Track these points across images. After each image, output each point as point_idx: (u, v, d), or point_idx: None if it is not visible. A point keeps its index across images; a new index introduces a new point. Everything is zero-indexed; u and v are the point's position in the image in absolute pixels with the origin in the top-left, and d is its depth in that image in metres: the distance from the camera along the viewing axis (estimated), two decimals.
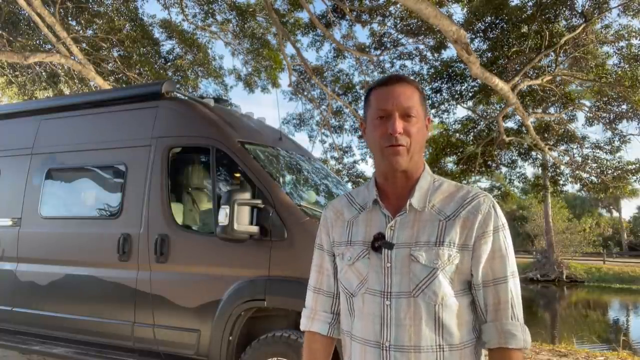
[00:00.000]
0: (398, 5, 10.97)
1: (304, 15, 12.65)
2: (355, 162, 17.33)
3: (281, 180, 3.89)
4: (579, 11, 10.29)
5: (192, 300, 3.54)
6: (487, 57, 11.58)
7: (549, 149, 12.39)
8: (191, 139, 3.95)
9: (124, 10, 11.83)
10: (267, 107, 53.55)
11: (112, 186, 4.24)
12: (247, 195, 3.35)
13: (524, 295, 1.21)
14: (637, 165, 11.81)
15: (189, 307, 3.54)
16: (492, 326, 1.15)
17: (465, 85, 12.87)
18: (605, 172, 12.20)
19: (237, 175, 4.06)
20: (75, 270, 4.05)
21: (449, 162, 14.42)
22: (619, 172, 11.99)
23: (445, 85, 13.01)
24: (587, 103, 13.08)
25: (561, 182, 13.74)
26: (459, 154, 13.37)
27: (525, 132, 12.08)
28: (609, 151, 12.64)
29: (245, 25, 12.50)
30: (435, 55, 12.78)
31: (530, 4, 10.69)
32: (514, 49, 10.84)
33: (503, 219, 1.20)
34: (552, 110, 13.88)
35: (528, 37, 10.26)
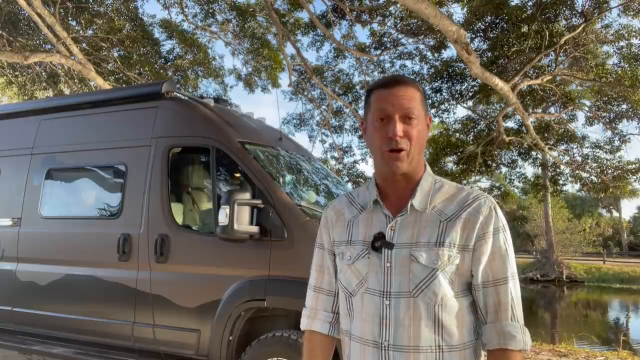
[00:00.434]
0: (398, 5, 10.97)
1: (304, 15, 12.66)
2: (355, 162, 17.36)
3: (281, 180, 3.89)
4: (579, 11, 10.29)
5: (192, 300, 3.54)
6: (487, 56, 11.58)
7: (549, 148, 12.39)
8: (191, 139, 3.95)
9: (124, 10, 11.82)
10: (267, 107, 53.63)
11: (112, 186, 4.24)
12: (247, 195, 3.35)
13: (524, 295, 1.21)
14: (637, 165, 11.82)
15: (189, 307, 3.54)
16: (491, 327, 1.15)
17: (465, 85, 12.88)
18: (605, 172, 12.21)
19: (237, 175, 4.06)
20: (75, 271, 4.05)
21: (449, 162, 14.42)
22: (619, 171, 12.00)
23: (445, 85, 13.02)
24: (587, 103, 13.10)
25: (561, 181, 13.75)
26: (459, 153, 13.37)
27: (525, 131, 12.07)
28: (609, 151, 12.66)
29: (246, 25, 12.49)
30: (435, 55, 12.80)
31: (530, 3, 10.69)
32: (514, 49, 10.84)
33: (503, 220, 1.20)
34: (552, 110, 13.91)
35: (528, 36, 10.25)
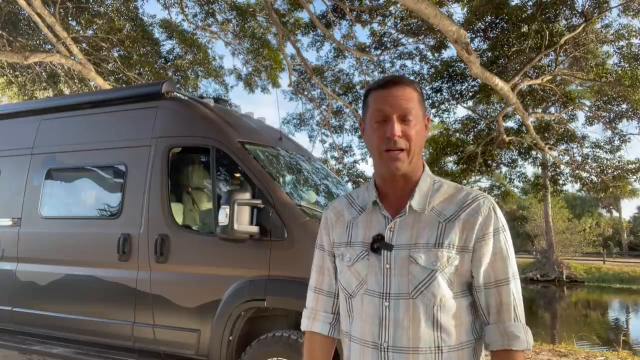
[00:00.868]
0: (398, 5, 10.97)
1: (304, 15, 12.66)
2: (355, 162, 17.34)
3: (281, 180, 3.89)
4: (579, 11, 10.29)
5: (192, 300, 3.54)
6: (487, 56, 11.58)
7: (549, 148, 12.39)
8: (191, 139, 3.95)
9: (124, 10, 11.82)
10: (267, 107, 53.63)
11: (112, 186, 4.24)
12: (247, 195, 3.35)
13: (524, 295, 1.22)
14: (637, 164, 11.81)
15: (189, 307, 3.54)
16: (494, 328, 1.15)
17: (466, 84, 12.88)
18: (605, 172, 12.20)
19: (237, 175, 4.06)
20: (75, 270, 4.05)
21: (449, 162, 14.42)
22: (619, 171, 12.00)
23: (446, 85, 13.02)
24: (587, 102, 13.09)
25: (561, 181, 13.75)
26: (459, 153, 13.37)
27: (525, 131, 12.08)
28: (608, 150, 12.65)
29: (246, 25, 12.49)
30: (436, 55, 12.81)
31: (530, 3, 10.69)
32: (514, 49, 10.84)
33: (503, 221, 1.20)
34: (552, 109, 13.90)
35: (528, 36, 10.25)
